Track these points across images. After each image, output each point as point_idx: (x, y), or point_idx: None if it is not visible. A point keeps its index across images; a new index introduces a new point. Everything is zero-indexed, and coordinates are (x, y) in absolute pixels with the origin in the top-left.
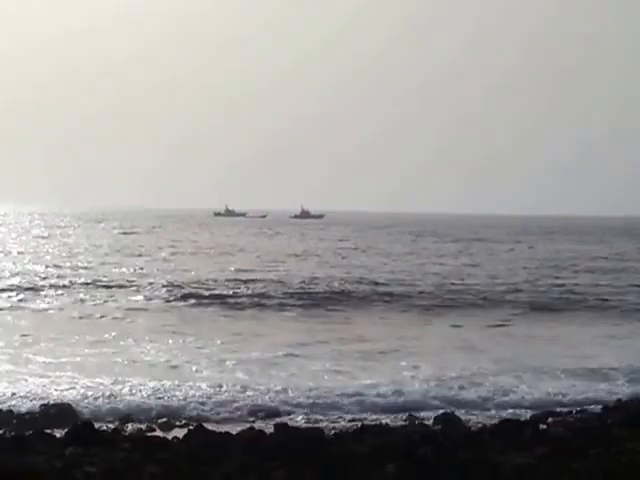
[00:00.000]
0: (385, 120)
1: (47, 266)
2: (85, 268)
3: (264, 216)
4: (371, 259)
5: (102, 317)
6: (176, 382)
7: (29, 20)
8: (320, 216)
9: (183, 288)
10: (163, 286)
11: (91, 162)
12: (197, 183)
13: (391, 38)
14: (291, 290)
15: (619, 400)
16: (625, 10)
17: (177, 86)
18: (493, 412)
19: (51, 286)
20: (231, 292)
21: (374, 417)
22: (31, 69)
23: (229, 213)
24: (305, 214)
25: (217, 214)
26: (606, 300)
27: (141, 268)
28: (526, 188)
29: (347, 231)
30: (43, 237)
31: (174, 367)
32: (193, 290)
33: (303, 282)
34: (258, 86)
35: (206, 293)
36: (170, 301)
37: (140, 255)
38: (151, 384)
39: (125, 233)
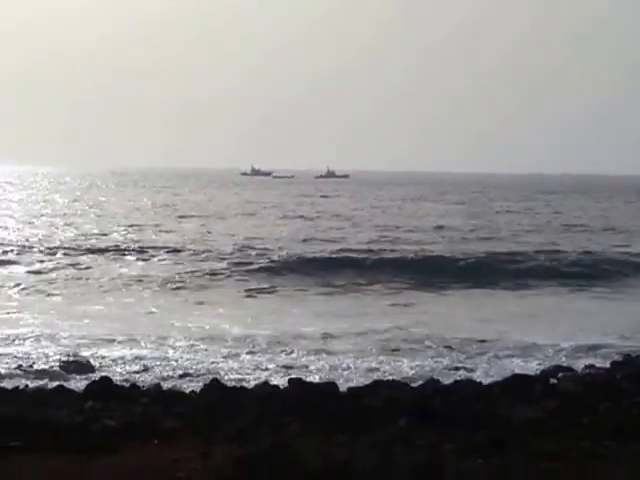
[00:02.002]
0: (394, 90)
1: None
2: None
3: (292, 176)
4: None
5: (172, 281)
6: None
7: None
8: (345, 176)
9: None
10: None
11: (107, 123)
12: (215, 142)
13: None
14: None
15: (628, 355)
16: None
17: (201, 47)
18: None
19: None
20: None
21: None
22: (48, 32)
23: (255, 172)
24: (330, 174)
25: (243, 173)
26: None
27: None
28: (529, 148)
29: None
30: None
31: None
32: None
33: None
34: (281, 45)
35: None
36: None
37: (200, 217)
38: (179, 345)
39: (161, 193)
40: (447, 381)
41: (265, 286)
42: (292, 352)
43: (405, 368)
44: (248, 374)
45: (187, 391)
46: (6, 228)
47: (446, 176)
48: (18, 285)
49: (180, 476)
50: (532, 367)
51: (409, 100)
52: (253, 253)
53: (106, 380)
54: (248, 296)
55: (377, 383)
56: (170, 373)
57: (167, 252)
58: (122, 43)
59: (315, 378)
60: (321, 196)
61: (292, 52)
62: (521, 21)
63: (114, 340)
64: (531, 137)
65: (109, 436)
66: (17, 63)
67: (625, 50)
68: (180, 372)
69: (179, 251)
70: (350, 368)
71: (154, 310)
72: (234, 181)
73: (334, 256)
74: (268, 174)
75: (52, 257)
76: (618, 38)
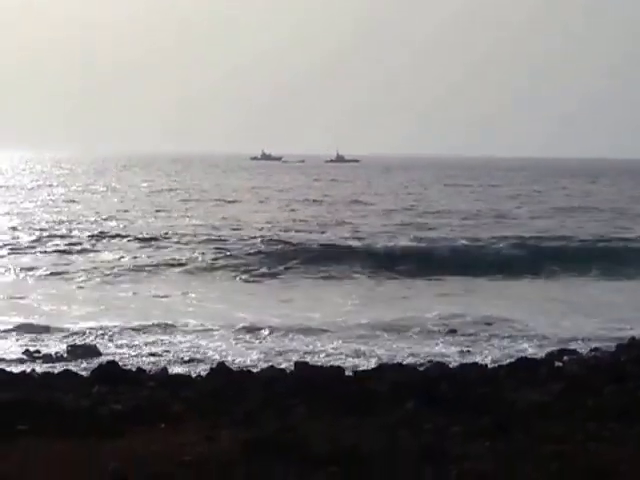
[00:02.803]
0: (394, 75)
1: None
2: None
3: (302, 161)
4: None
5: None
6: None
7: None
8: (355, 160)
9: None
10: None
11: (107, 109)
12: (215, 127)
13: None
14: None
15: (633, 338)
16: None
17: (197, 34)
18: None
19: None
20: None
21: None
22: (48, 15)
23: (265, 157)
24: (340, 158)
25: (253, 158)
26: None
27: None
28: (528, 133)
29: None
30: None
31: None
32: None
33: None
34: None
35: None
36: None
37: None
38: (186, 329)
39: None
40: (453, 365)
41: (272, 272)
42: (298, 336)
43: (411, 352)
44: (254, 358)
45: (193, 375)
46: (22, 214)
47: (449, 160)
48: (33, 270)
49: (186, 460)
50: (538, 350)
51: (409, 85)
52: (261, 239)
53: (113, 364)
54: (255, 282)
55: (383, 367)
56: (177, 357)
57: (177, 238)
58: (120, 30)
59: (321, 362)
60: (331, 180)
61: (290, 37)
62: (519, 7)
63: (121, 325)
64: (530, 123)
65: (116, 420)
66: (18, 51)
67: (623, 37)
68: (186, 357)
69: (190, 237)
70: (356, 352)
71: (161, 296)
72: (244, 165)
73: (346, 243)
74: (278, 159)
75: (64, 243)
76: (615, 26)
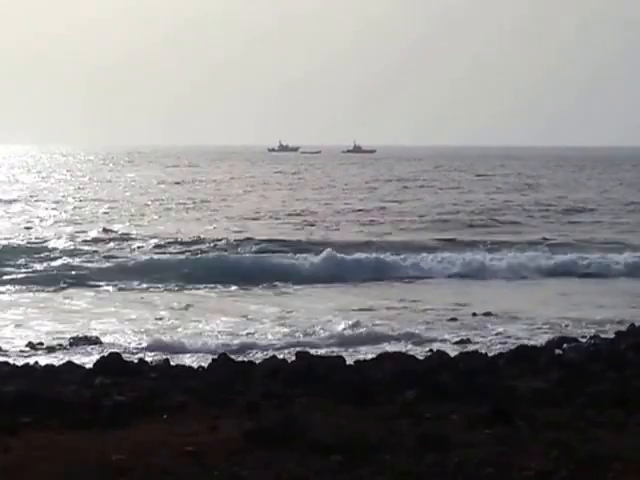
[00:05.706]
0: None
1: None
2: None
3: (319, 151)
4: None
5: None
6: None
7: None
8: (372, 151)
9: None
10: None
11: (119, 101)
12: (226, 120)
13: None
14: None
15: (632, 325)
16: None
17: (208, 20)
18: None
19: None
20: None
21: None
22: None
23: (283, 148)
24: (357, 149)
25: (271, 150)
26: None
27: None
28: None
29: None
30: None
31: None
32: None
33: None
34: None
35: None
36: None
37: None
38: (188, 322)
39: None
40: (453, 354)
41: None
42: (298, 327)
43: (411, 342)
44: (256, 349)
45: (195, 366)
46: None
47: (468, 150)
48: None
49: (189, 450)
50: (537, 338)
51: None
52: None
53: (115, 356)
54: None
55: (384, 356)
56: (179, 349)
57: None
58: (129, 22)
59: (322, 352)
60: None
61: (304, 25)
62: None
63: (123, 318)
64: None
65: (118, 411)
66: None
67: None
68: (189, 348)
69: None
70: (357, 342)
71: (162, 290)
72: (262, 157)
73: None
74: (296, 149)
75: (78, 240)
76: None
